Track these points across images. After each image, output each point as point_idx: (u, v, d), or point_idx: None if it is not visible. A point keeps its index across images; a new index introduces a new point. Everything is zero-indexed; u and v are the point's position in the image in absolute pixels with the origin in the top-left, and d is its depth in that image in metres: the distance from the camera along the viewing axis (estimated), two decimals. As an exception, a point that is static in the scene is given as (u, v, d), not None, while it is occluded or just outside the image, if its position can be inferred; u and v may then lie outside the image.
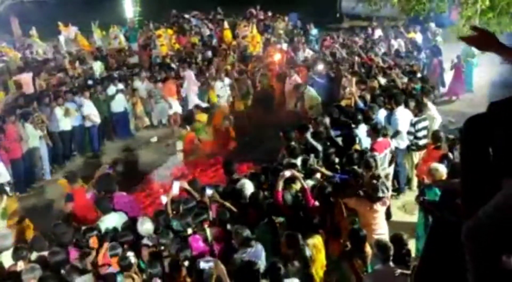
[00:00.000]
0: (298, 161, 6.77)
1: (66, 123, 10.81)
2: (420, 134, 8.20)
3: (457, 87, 13.04)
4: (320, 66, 12.14)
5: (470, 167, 2.40)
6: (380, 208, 5.90)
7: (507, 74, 14.01)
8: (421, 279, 2.74)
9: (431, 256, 2.59)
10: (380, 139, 7.43)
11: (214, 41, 17.05)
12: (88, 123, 11.27)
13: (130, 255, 4.95)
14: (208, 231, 5.35)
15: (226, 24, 17.38)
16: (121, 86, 12.01)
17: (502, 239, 1.98)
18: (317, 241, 5.28)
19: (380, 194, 5.78)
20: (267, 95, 12.52)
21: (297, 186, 6.14)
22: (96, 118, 11.32)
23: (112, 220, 5.97)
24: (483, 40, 2.23)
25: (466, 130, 2.33)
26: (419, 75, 11.07)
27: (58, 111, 10.60)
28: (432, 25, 15.55)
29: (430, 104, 8.91)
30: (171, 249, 5.11)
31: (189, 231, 5.34)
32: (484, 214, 2.03)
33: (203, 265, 4.58)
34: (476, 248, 2.04)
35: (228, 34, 16.96)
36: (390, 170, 7.78)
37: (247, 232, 5.01)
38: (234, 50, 14.96)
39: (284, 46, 15.03)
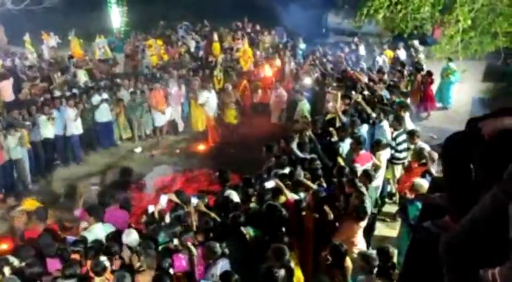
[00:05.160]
0: (285, 172, 6.85)
1: (49, 132, 10.70)
2: (400, 147, 8.34)
3: (428, 103, 13.22)
4: (306, 80, 12.28)
5: (453, 182, 2.48)
6: (362, 224, 5.97)
7: (488, 92, 14.37)
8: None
9: (410, 270, 2.63)
10: (363, 152, 7.55)
11: (201, 53, 17.14)
12: (70, 133, 11.16)
13: (103, 259, 4.89)
14: (192, 248, 5.32)
15: (215, 37, 17.47)
16: (105, 95, 11.96)
17: (479, 253, 2.02)
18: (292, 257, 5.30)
19: (367, 212, 5.85)
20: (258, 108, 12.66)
21: (283, 198, 6.19)
22: (79, 128, 11.24)
23: (99, 231, 5.92)
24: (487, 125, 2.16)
25: (446, 147, 2.41)
26: (403, 90, 11.27)
27: (42, 119, 10.50)
28: (416, 42, 15.90)
29: (406, 118, 9.09)
30: (152, 263, 5.07)
31: (175, 241, 5.31)
32: (461, 227, 2.08)
33: None
34: (453, 261, 2.08)
35: (216, 46, 17.04)
36: (379, 182, 7.86)
37: (217, 247, 5.02)
38: (222, 63, 15.03)
39: (275, 60, 15.14)
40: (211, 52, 16.90)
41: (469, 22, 8.51)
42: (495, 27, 9.10)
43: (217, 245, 5.00)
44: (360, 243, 5.93)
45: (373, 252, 5.04)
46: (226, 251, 4.98)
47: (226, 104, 12.40)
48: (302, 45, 17.47)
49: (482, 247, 2.02)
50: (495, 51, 10.28)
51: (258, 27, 19.09)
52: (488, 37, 9.41)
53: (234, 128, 12.26)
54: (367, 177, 6.63)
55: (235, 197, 6.15)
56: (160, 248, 5.36)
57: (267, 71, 13.85)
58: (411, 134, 8.13)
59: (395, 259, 5.22)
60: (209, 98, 12.19)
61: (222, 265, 4.83)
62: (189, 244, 5.16)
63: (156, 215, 5.99)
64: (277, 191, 6.17)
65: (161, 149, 12.14)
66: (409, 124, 9.01)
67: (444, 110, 13.41)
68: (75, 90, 12.30)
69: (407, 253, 2.94)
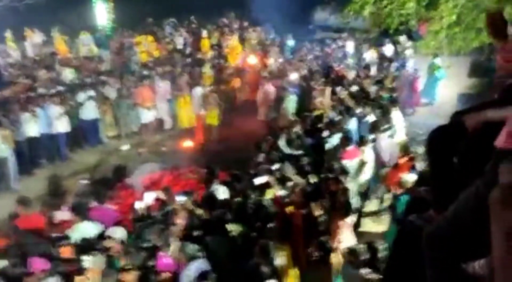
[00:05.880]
0: (273, 168, 6.86)
1: (34, 130, 10.57)
2: (392, 142, 8.40)
3: (413, 99, 13.32)
4: (293, 76, 12.30)
5: (436, 175, 2.50)
6: (349, 220, 6.01)
7: (473, 87, 14.50)
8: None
9: (396, 263, 2.65)
10: (351, 147, 7.58)
11: (188, 50, 17.05)
12: (55, 131, 11.03)
13: (86, 259, 4.86)
14: (174, 246, 5.30)
15: (204, 33, 17.39)
16: (91, 93, 11.85)
17: (461, 246, 2.04)
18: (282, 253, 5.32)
19: (353, 208, 5.90)
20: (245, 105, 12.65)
21: (271, 194, 6.20)
22: (65, 125, 11.11)
23: (85, 229, 5.87)
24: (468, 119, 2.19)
25: (430, 141, 2.42)
26: (390, 85, 11.35)
27: (26, 117, 10.37)
28: (402, 38, 15.97)
29: (394, 113, 9.14)
30: (138, 261, 5.05)
31: (160, 239, 5.29)
32: (443, 220, 2.09)
33: None
34: (435, 255, 2.09)
35: (205, 43, 16.96)
36: (366, 178, 7.90)
37: (192, 247, 5.00)
38: (210, 59, 14.98)
39: (260, 56, 15.14)
40: (200, 49, 16.83)
41: (454, 17, 8.58)
42: (479, 23, 9.17)
43: (191, 246, 5.00)
44: (348, 238, 5.97)
45: (361, 247, 5.07)
46: (201, 253, 4.96)
47: (207, 105, 12.28)
48: (291, 42, 17.49)
49: (465, 240, 2.03)
50: (479, 47, 10.36)
51: (245, 24, 19.06)
52: (473, 32, 9.47)
53: (215, 129, 12.19)
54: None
55: (222, 193, 6.14)
56: (146, 246, 5.33)
57: (252, 61, 13.81)
58: None
59: (382, 253, 5.26)
60: (196, 97, 12.16)
61: (197, 266, 4.82)
62: (173, 242, 5.15)
63: (143, 212, 5.96)
64: (265, 187, 6.18)
65: (148, 146, 12.07)
66: (400, 120, 9.05)
67: (430, 106, 13.52)
68: (60, 88, 12.15)
69: (393, 246, 2.96)
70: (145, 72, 13.59)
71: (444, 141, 2.39)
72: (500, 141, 1.74)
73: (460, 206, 2.02)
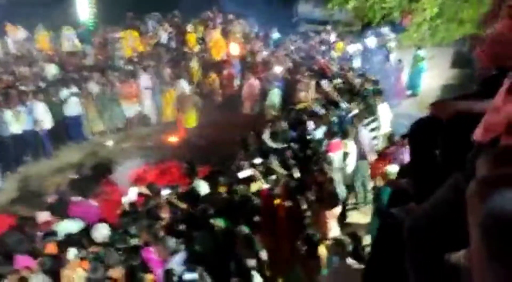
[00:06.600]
0: (257, 162, 6.87)
1: (16, 127, 10.43)
2: (372, 134, 8.46)
3: (398, 91, 13.41)
4: (278, 70, 12.30)
5: (417, 167, 2.53)
6: (335, 211, 6.06)
7: (455, 78, 14.66)
8: (369, 276, 2.83)
9: (378, 256, 2.67)
10: (335, 140, 7.63)
11: (172, 44, 16.91)
12: (39, 127, 10.90)
13: (71, 250, 4.84)
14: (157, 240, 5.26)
15: (189, 28, 17.24)
16: (75, 89, 11.71)
17: (441, 238, 2.06)
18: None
19: (339, 199, 5.95)
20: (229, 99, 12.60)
21: (257, 187, 6.22)
22: (48, 122, 10.98)
23: (65, 227, 5.82)
24: (442, 109, 2.19)
25: (411, 132, 2.45)
26: (374, 77, 11.40)
27: (8, 114, 10.23)
28: (386, 30, 16.03)
29: (380, 105, 9.20)
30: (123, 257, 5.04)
31: (142, 237, 5.28)
32: (422, 212, 2.11)
33: (188, 276, 4.55)
34: (415, 247, 2.11)
35: (191, 38, 16.84)
36: (350, 169, 7.95)
37: (171, 241, 4.99)
38: (197, 53, 14.90)
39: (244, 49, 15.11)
40: (186, 43, 16.71)
41: (436, 9, 8.65)
42: (461, 14, 9.26)
43: (173, 240, 5.01)
44: (333, 229, 6.03)
45: (345, 237, 5.13)
46: (182, 247, 4.98)
47: (183, 108, 12.12)
48: (275, 35, 17.45)
49: (445, 232, 2.05)
50: (461, 38, 10.47)
51: (230, 17, 18.93)
52: (455, 24, 9.57)
53: (195, 129, 12.07)
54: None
55: (203, 188, 6.15)
56: (132, 241, 5.32)
57: (235, 52, 13.76)
58: None
59: (366, 243, 5.32)
60: (183, 88, 12.08)
61: (178, 260, 4.84)
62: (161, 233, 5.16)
63: (128, 208, 5.94)
64: (250, 181, 6.20)
65: (133, 142, 12.00)
66: (385, 112, 9.11)
67: (414, 97, 13.62)
68: (42, 84, 11.99)
69: (376, 238, 2.98)
70: (130, 67, 13.47)
71: (425, 133, 2.41)
72: (477, 134, 1.76)
73: (439, 198, 2.04)
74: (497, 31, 1.61)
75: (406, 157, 7.02)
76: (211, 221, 5.40)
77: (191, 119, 12.16)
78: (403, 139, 7.36)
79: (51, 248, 5.20)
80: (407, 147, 6.60)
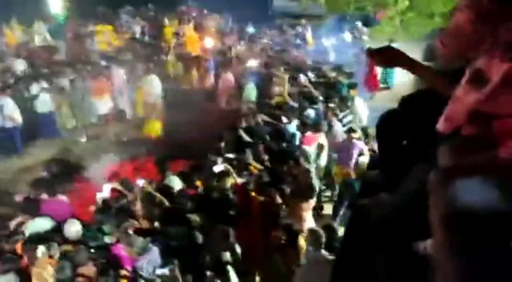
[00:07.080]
0: (232, 156, 6.87)
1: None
2: (346, 128, 8.54)
3: (371, 84, 13.52)
4: (253, 64, 12.28)
5: (385, 158, 2.56)
6: (311, 203, 6.11)
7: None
8: (339, 267, 2.86)
9: (349, 247, 2.70)
10: (309, 133, 7.69)
11: (146, 38, 16.70)
12: (9, 124, 10.63)
13: (40, 248, 4.76)
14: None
15: (166, 22, 17.04)
16: (45, 84, 11.45)
17: (409, 227, 2.09)
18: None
19: (315, 191, 6.00)
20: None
21: (230, 181, 6.22)
22: (18, 118, 10.72)
23: (36, 225, 5.71)
24: (389, 56, 2.16)
25: (379, 124, 2.48)
26: (348, 71, 11.49)
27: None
28: (359, 24, 16.17)
29: (357, 99, 9.28)
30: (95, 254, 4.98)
31: (116, 234, 5.23)
32: (391, 202, 2.14)
33: (159, 272, 4.53)
34: (385, 236, 2.14)
35: (168, 31, 16.63)
36: (324, 162, 8.01)
37: (139, 241, 4.97)
38: (174, 47, 14.76)
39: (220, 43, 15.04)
40: (162, 38, 16.51)
41: (407, 3, 8.78)
42: (432, 8, 9.40)
43: (140, 239, 4.97)
44: (309, 221, 6.09)
45: (319, 229, 5.19)
46: (150, 246, 4.95)
47: (147, 117, 11.74)
48: (251, 29, 17.41)
49: (413, 222, 2.08)
50: (433, 32, 10.62)
51: (204, 12, 18.80)
52: (426, 17, 9.71)
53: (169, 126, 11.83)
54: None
55: (177, 183, 6.12)
56: (105, 238, 5.26)
57: (209, 45, 13.69)
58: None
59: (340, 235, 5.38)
60: (153, 82, 11.92)
61: (149, 258, 4.82)
62: (130, 232, 5.10)
63: (101, 205, 5.87)
64: (224, 175, 6.19)
65: (108, 137, 11.81)
66: (360, 105, 9.19)
67: (388, 90, 13.78)
68: (11, 80, 11.70)
69: (346, 230, 3.02)
70: (104, 62, 13.25)
71: (393, 125, 2.44)
72: (439, 124, 1.79)
73: (405, 189, 2.07)
74: (455, 23, 1.63)
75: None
76: (187, 216, 5.38)
77: (155, 128, 11.56)
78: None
79: (19, 248, 5.09)
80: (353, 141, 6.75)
